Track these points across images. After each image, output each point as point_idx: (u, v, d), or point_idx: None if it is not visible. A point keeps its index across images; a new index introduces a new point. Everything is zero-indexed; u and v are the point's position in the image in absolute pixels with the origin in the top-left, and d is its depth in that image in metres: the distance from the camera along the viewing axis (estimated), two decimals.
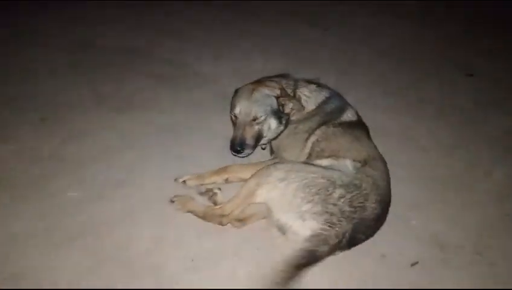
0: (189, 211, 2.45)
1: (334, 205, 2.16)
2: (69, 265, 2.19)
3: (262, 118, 2.65)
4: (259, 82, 2.81)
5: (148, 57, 4.19)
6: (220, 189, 2.61)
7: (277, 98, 2.67)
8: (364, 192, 2.23)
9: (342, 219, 2.15)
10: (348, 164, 2.37)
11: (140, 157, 2.91)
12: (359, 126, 2.72)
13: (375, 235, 2.35)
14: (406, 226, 2.55)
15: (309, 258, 2.08)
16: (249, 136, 2.65)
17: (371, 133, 2.79)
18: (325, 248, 2.11)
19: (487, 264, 2.35)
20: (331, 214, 2.14)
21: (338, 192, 2.18)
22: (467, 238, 2.50)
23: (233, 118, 2.73)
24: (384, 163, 2.54)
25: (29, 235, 2.31)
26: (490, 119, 3.59)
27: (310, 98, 2.80)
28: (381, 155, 2.58)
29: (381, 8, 5.62)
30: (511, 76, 4.25)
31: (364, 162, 2.40)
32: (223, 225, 2.37)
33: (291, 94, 2.76)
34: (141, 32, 4.65)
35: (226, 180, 2.66)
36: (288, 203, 2.20)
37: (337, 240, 2.13)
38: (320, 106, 2.77)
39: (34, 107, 3.32)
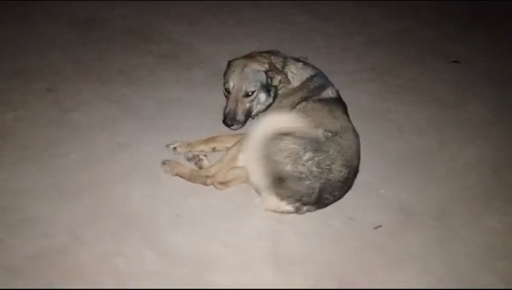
0: (176, 174, 2.71)
1: (303, 165, 2.41)
2: (70, 217, 2.46)
3: (254, 94, 2.89)
4: (250, 57, 3.02)
5: (152, 36, 4.42)
6: (206, 156, 2.86)
7: (266, 72, 2.89)
8: (332, 156, 2.48)
9: (310, 176, 2.40)
10: (319, 133, 2.57)
11: (139, 126, 3.17)
12: (337, 102, 2.93)
13: (345, 201, 2.63)
14: (374, 194, 2.80)
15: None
16: (240, 111, 2.90)
17: (355, 113, 3.04)
18: (296, 203, 2.42)
19: (446, 229, 2.61)
20: (300, 173, 2.40)
21: (307, 155, 2.42)
22: (429, 207, 2.75)
23: (225, 92, 2.96)
24: (356, 135, 2.76)
25: (36, 190, 2.59)
26: (468, 105, 3.80)
27: (296, 74, 3.01)
28: (353, 128, 2.81)
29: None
30: (496, 67, 4.44)
31: (335, 133, 2.61)
32: (206, 185, 2.63)
33: (280, 69, 2.98)
34: (149, 13, 4.87)
35: (213, 149, 2.91)
36: (261, 165, 2.46)
37: (306, 197, 2.42)
38: (304, 83, 2.99)
39: (42, 78, 3.57)
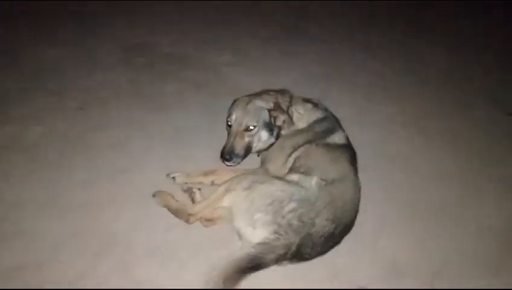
0: (165, 206, 2.69)
1: (283, 217, 2.28)
2: (55, 234, 2.54)
3: (255, 129, 2.82)
4: (256, 94, 2.99)
5: (192, 64, 4.53)
6: (200, 189, 2.82)
7: (269, 110, 2.83)
8: (317, 209, 2.32)
9: (288, 231, 2.25)
10: (313, 181, 2.45)
11: (149, 152, 3.24)
12: (343, 149, 2.76)
13: (335, 253, 2.44)
14: (369, 247, 2.62)
15: (254, 263, 2.21)
16: (239, 146, 2.83)
17: (374, 156, 3.02)
18: (271, 256, 2.23)
19: None
20: (279, 225, 2.27)
21: (291, 205, 2.30)
22: (426, 269, 2.53)
23: (227, 126, 2.92)
24: (356, 186, 2.59)
25: (31, 203, 2.71)
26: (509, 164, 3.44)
27: (303, 116, 2.92)
28: (355, 179, 2.63)
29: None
30: None
31: (331, 182, 2.46)
32: (189, 223, 2.57)
33: (285, 109, 2.89)
34: (196, 42, 5.02)
35: (212, 183, 2.85)
36: (245, 211, 2.37)
37: (283, 251, 2.24)
38: (311, 125, 2.88)
39: (78, 97, 3.79)
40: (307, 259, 2.35)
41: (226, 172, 2.85)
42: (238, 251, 2.30)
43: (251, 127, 2.81)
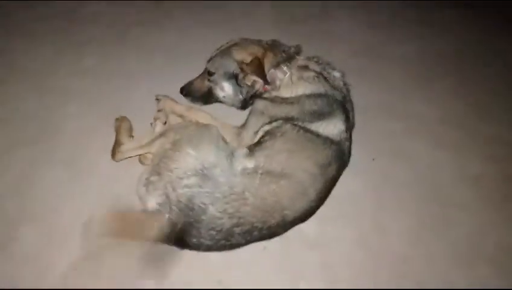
0: (115, 130, 2.57)
1: (174, 190, 1.99)
2: None
3: (214, 76, 2.56)
4: (251, 41, 2.58)
5: None
6: (165, 123, 2.65)
7: (240, 63, 2.45)
8: (217, 195, 1.98)
9: (174, 208, 1.97)
10: (243, 164, 2.14)
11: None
12: (328, 146, 2.24)
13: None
14: None
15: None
16: (197, 86, 2.67)
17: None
18: (149, 232, 1.97)
19: None
20: (167, 198, 1.99)
21: (191, 180, 2.01)
22: None
23: None
24: (309, 195, 2.15)
25: None
26: None
27: (293, 84, 2.42)
28: (316, 188, 2.16)
29: None
30: None
31: (274, 176, 2.08)
32: (114, 159, 2.45)
33: (266, 69, 2.43)
34: None
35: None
36: (152, 166, 2.15)
37: (165, 230, 1.97)
38: (300, 99, 2.37)
39: None
40: (192, 248, 2.04)
41: (204, 117, 2.55)
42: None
43: (211, 72, 2.56)
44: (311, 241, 2.34)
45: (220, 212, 1.97)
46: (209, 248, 2.04)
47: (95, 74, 3.23)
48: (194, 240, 1.99)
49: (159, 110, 2.72)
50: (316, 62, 2.54)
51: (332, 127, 2.31)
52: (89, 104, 2.97)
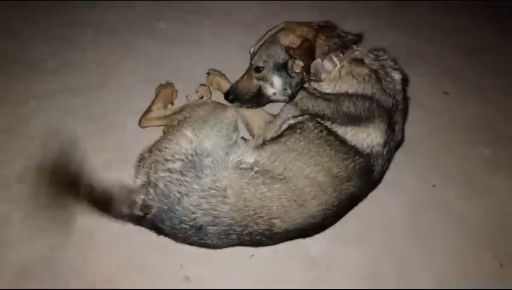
0: (157, 93, 2.52)
1: (156, 172, 1.83)
2: None
3: (264, 71, 2.18)
4: (292, 23, 2.19)
5: None
6: (210, 94, 2.57)
7: (287, 48, 2.09)
8: (195, 186, 1.78)
9: (151, 191, 1.80)
10: (240, 158, 1.91)
11: None
12: (352, 157, 1.90)
13: None
14: None
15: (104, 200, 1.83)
16: (245, 88, 2.28)
17: None
18: (125, 209, 1.82)
19: None
20: (148, 179, 1.83)
21: (175, 165, 1.83)
22: None
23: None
24: (309, 212, 1.83)
25: None
26: None
27: (338, 79, 2.05)
28: (310, 208, 1.83)
29: None
30: None
31: (271, 177, 1.81)
32: (139, 126, 2.40)
33: (315, 55, 2.07)
34: None
35: None
36: (154, 142, 2.00)
37: (140, 212, 1.81)
38: (340, 97, 2.02)
39: None
40: (166, 235, 1.86)
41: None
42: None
43: (259, 67, 2.18)
44: (309, 261, 2.06)
45: (194, 206, 1.77)
46: (184, 241, 1.86)
47: (164, 37, 3.15)
48: (168, 229, 1.82)
49: (202, 84, 2.59)
50: (376, 57, 2.13)
51: (365, 136, 1.95)
52: (145, 66, 2.91)
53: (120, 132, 2.48)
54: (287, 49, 2.09)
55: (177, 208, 1.77)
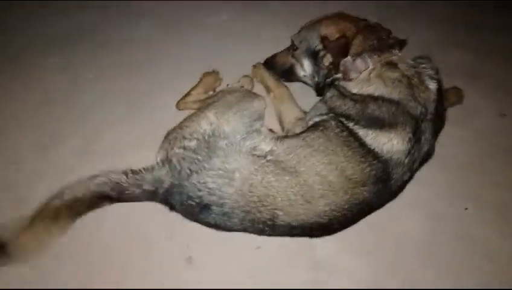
0: (201, 78, 2.60)
1: (172, 148, 1.90)
2: None
3: (297, 51, 2.30)
4: (341, 16, 2.21)
5: None
6: (252, 85, 2.62)
7: (322, 38, 2.13)
8: (204, 165, 1.82)
9: (166, 165, 1.87)
10: (262, 144, 1.93)
11: None
12: (367, 157, 1.84)
13: None
14: None
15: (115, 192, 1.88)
16: (280, 60, 2.48)
17: None
18: (138, 190, 1.88)
19: None
20: (166, 154, 1.91)
21: (191, 143, 1.89)
22: None
23: None
24: (317, 208, 1.80)
25: None
26: None
27: (368, 80, 2.00)
28: (317, 207, 1.79)
29: None
30: None
31: (283, 168, 1.81)
32: (177, 108, 2.47)
33: (348, 52, 2.06)
34: None
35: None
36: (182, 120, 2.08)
37: (149, 187, 1.87)
38: (366, 98, 1.96)
39: None
40: (177, 211, 1.91)
41: (282, 96, 2.43)
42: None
43: (295, 46, 2.32)
44: (314, 261, 1.99)
45: (201, 183, 1.81)
46: (191, 218, 1.90)
47: (222, 29, 3.28)
48: (178, 205, 1.87)
49: (246, 76, 2.64)
50: (415, 64, 2.05)
51: (385, 141, 1.87)
52: (199, 53, 3.01)
53: (157, 112, 2.56)
54: (323, 39, 2.13)
55: (185, 183, 1.82)
